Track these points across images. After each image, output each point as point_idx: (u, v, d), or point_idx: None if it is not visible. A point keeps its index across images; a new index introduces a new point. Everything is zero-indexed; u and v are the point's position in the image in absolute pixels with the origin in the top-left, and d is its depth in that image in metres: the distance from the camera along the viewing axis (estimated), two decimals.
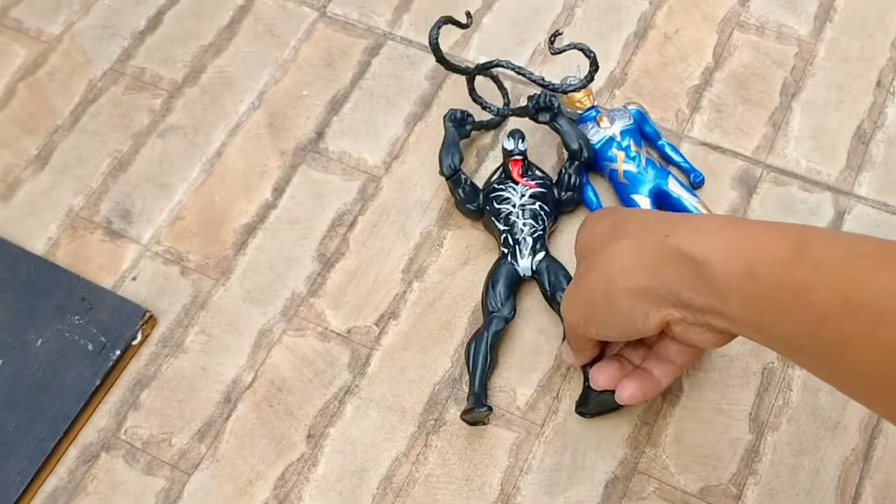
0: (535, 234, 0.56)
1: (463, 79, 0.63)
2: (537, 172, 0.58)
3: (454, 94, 0.65)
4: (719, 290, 0.37)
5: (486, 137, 0.63)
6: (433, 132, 0.63)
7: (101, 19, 0.70)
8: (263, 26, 0.69)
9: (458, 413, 0.52)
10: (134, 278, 0.58)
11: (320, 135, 0.63)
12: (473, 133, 0.62)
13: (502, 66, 0.58)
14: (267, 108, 0.65)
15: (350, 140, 0.63)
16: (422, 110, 0.64)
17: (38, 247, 0.59)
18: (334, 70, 0.66)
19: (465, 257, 0.58)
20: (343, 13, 0.69)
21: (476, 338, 0.53)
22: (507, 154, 0.58)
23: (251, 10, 0.70)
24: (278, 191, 0.61)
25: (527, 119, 0.59)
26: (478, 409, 0.50)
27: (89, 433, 0.52)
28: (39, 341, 0.53)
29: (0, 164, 0.63)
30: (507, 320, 0.54)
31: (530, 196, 0.57)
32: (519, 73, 0.58)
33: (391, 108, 0.64)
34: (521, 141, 0.58)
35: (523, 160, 0.58)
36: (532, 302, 0.56)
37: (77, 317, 0.54)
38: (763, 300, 0.35)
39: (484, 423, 0.52)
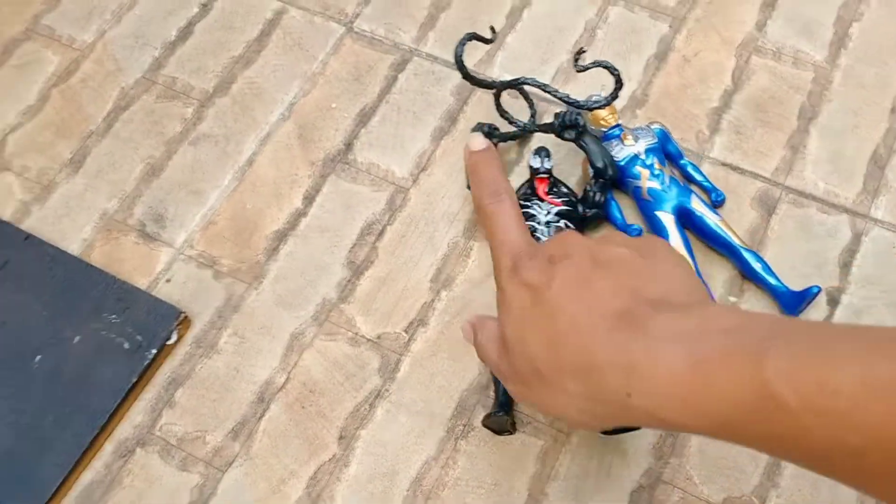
0: None
1: (487, 96, 0.65)
2: (563, 189, 0.60)
3: (479, 109, 0.66)
4: (704, 435, 0.35)
5: (512, 153, 0.64)
6: (459, 146, 0.64)
7: (132, 29, 0.72)
8: (292, 40, 0.71)
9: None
10: (168, 280, 0.59)
11: (349, 146, 0.65)
12: (500, 146, 0.63)
13: (528, 84, 0.60)
14: (296, 120, 0.66)
15: (378, 152, 0.64)
16: (448, 125, 0.66)
17: (73, 247, 0.60)
18: (362, 84, 0.68)
19: (492, 268, 0.59)
20: (370, 29, 0.71)
21: None
22: (534, 172, 0.60)
23: (280, 23, 0.71)
24: (308, 199, 0.62)
25: (552, 135, 0.61)
26: (495, 414, 0.51)
27: (125, 429, 0.53)
28: (76, 339, 0.54)
29: (35, 166, 0.64)
30: None
31: (556, 214, 0.58)
32: (545, 91, 0.59)
33: (418, 122, 0.66)
34: (547, 159, 0.60)
35: (549, 178, 0.60)
36: None
37: (114, 316, 0.55)
38: (754, 443, 0.33)
39: (509, 433, 0.53)
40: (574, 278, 0.39)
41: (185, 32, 0.71)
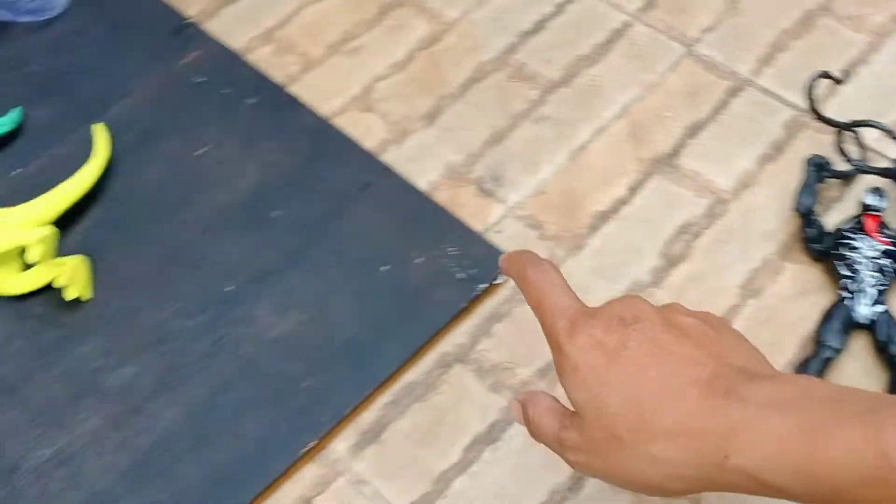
0: (879, 288, 0.58)
1: (816, 136, 0.67)
2: (889, 231, 0.61)
3: (807, 146, 0.68)
4: (805, 500, 0.34)
5: (833, 190, 0.66)
6: (783, 174, 0.67)
7: (493, 13, 0.79)
8: (635, 51, 0.76)
9: None
10: (498, 232, 0.65)
11: (676, 152, 0.69)
12: (827, 182, 0.65)
13: (873, 126, 0.62)
14: (630, 119, 0.71)
15: (704, 163, 0.68)
16: (774, 153, 0.68)
17: (420, 185, 0.67)
18: (696, 101, 0.72)
19: (803, 290, 0.61)
20: (709, 54, 0.75)
21: (805, 364, 0.56)
22: (866, 208, 0.62)
23: (626, 34, 0.77)
24: (633, 190, 0.67)
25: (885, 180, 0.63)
26: None
27: (447, 345, 0.59)
28: (419, 260, 0.61)
29: (396, 112, 0.72)
30: (838, 351, 0.57)
31: (881, 252, 0.60)
32: (892, 137, 0.61)
33: (745, 144, 0.69)
34: (882, 199, 0.62)
35: (882, 217, 0.61)
36: (860, 345, 0.58)
37: (453, 248, 0.61)
38: None
39: None
40: (652, 341, 0.38)
41: (539, 26, 0.78)
